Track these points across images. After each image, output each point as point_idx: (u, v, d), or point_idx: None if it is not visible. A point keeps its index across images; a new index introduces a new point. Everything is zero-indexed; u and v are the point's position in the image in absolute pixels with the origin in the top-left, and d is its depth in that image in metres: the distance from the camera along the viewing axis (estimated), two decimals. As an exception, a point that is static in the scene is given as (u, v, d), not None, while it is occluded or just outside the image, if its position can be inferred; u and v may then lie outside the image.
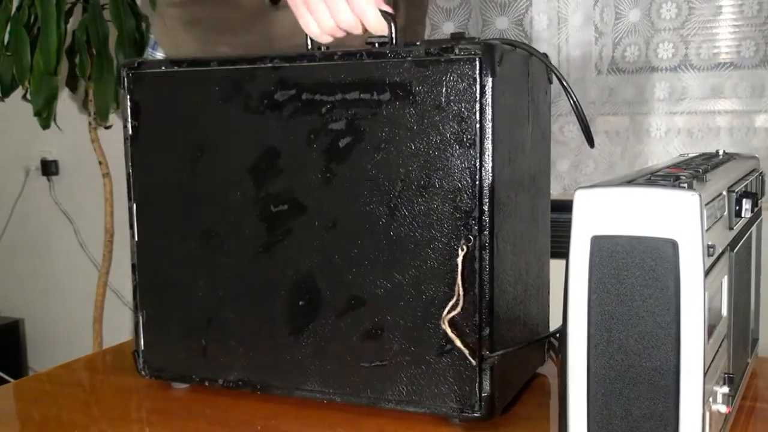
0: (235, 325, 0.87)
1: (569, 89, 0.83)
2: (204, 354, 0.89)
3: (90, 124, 2.07)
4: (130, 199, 0.91)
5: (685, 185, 0.58)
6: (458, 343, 0.75)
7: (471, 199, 0.76)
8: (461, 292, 0.75)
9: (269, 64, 0.82)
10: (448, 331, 0.75)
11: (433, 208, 0.77)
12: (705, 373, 0.57)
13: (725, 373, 0.67)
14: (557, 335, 0.90)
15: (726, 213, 0.68)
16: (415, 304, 0.79)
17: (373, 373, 0.81)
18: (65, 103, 2.13)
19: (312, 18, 0.86)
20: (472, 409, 0.78)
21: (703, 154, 0.89)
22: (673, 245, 0.56)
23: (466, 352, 0.76)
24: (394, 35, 0.80)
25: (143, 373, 0.93)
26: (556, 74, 0.85)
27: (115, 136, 2.32)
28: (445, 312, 0.76)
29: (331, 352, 0.83)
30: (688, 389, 0.57)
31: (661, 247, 0.57)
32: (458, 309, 0.75)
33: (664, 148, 1.69)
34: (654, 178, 0.62)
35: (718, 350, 0.65)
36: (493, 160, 0.75)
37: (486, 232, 0.76)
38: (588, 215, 0.59)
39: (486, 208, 0.75)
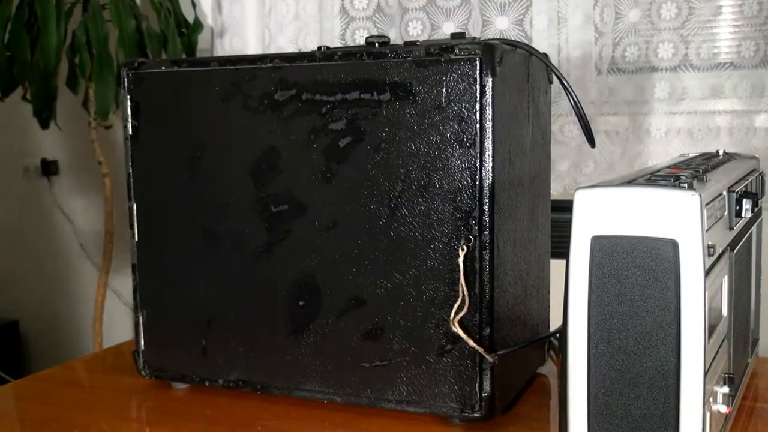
0: (235, 325, 0.87)
1: (569, 89, 0.83)
2: (204, 354, 0.89)
3: (90, 124, 2.07)
4: (130, 199, 0.91)
5: (686, 185, 0.58)
6: (471, 342, 0.75)
7: (471, 199, 0.76)
8: (466, 293, 0.75)
9: (269, 64, 0.82)
10: (460, 332, 0.75)
11: (434, 208, 0.77)
12: (705, 374, 0.57)
13: (725, 373, 0.67)
14: (557, 335, 0.90)
15: (726, 213, 0.68)
16: (416, 304, 0.79)
17: (373, 373, 0.81)
18: (65, 103, 2.13)
19: None
20: (473, 409, 0.78)
21: (703, 154, 0.89)
22: (674, 245, 0.56)
23: (481, 350, 0.75)
24: None
25: (143, 373, 0.93)
26: (556, 74, 0.85)
27: (115, 136, 2.33)
28: (453, 314, 0.75)
29: (331, 352, 0.83)
30: (689, 389, 0.57)
31: (661, 247, 0.57)
32: (465, 310, 0.75)
33: (664, 148, 1.69)
34: (654, 178, 0.62)
35: (718, 350, 0.65)
36: (493, 160, 0.75)
37: (486, 232, 0.76)
38: (588, 215, 0.59)
39: (486, 208, 0.76)
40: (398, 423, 0.80)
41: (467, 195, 0.76)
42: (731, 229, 0.70)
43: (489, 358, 0.75)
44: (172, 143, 0.88)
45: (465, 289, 0.75)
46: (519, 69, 0.81)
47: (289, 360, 0.84)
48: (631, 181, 0.61)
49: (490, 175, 0.75)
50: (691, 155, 0.88)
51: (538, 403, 0.87)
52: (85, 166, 2.37)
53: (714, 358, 0.63)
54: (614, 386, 0.59)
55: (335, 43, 1.96)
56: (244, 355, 0.87)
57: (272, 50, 2.01)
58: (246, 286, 0.86)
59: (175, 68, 0.87)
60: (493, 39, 0.78)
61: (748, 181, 0.77)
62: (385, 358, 0.80)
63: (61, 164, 2.58)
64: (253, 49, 2.05)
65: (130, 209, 0.91)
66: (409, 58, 0.77)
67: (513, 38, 1.77)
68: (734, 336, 0.73)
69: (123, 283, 2.42)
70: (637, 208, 0.57)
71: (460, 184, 0.76)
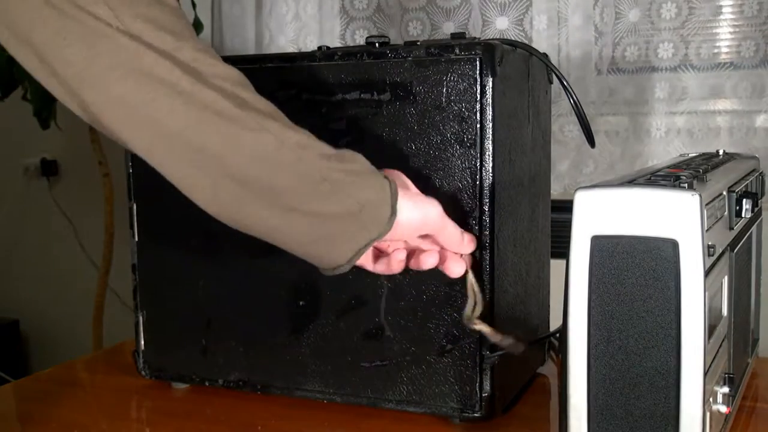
0: (236, 325, 0.87)
1: (569, 89, 0.83)
2: (204, 354, 0.89)
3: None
4: (130, 199, 0.91)
5: (686, 185, 0.58)
6: (492, 334, 0.72)
7: (471, 199, 0.76)
8: (477, 291, 0.73)
9: (270, 64, 0.82)
10: (484, 328, 0.72)
11: (434, 208, 0.77)
12: (705, 373, 0.57)
13: (725, 373, 0.67)
14: (557, 335, 0.90)
15: (726, 213, 0.68)
16: (416, 304, 0.78)
17: (373, 373, 0.81)
18: (65, 103, 2.12)
19: None
20: (473, 409, 0.78)
21: (703, 154, 0.88)
22: (674, 245, 0.56)
23: (509, 340, 0.73)
24: None
25: (143, 373, 0.92)
26: (556, 74, 0.85)
27: (115, 136, 2.32)
28: (470, 313, 0.72)
29: (332, 352, 0.83)
30: (689, 389, 0.57)
31: (661, 247, 0.57)
32: (479, 308, 0.73)
33: (664, 148, 1.69)
34: (654, 178, 0.62)
35: (718, 350, 0.65)
36: (493, 160, 0.75)
37: (486, 232, 0.76)
38: (588, 215, 0.59)
39: (486, 208, 0.75)
40: (398, 423, 0.80)
41: (467, 195, 0.76)
42: (731, 229, 0.69)
43: (522, 347, 0.73)
44: (172, 143, 0.87)
45: (475, 287, 0.73)
46: (519, 69, 0.81)
47: (289, 360, 0.84)
48: (631, 181, 0.61)
49: (491, 175, 0.75)
50: (691, 155, 0.88)
51: (538, 403, 0.87)
52: (85, 166, 2.37)
53: (714, 358, 0.63)
54: (614, 386, 0.59)
55: (335, 43, 1.96)
56: (244, 355, 0.87)
57: (272, 50, 2.00)
58: (246, 286, 0.86)
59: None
60: (493, 39, 0.78)
61: (748, 181, 0.77)
62: (386, 358, 0.80)
63: (61, 164, 2.58)
64: (253, 49, 2.05)
65: (130, 209, 0.91)
66: (410, 58, 0.77)
67: (513, 38, 1.76)
68: (734, 336, 0.73)
69: (123, 283, 2.41)
70: (637, 208, 0.57)
71: (460, 184, 0.76)
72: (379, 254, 0.70)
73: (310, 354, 0.84)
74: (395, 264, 0.69)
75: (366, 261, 0.69)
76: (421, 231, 0.67)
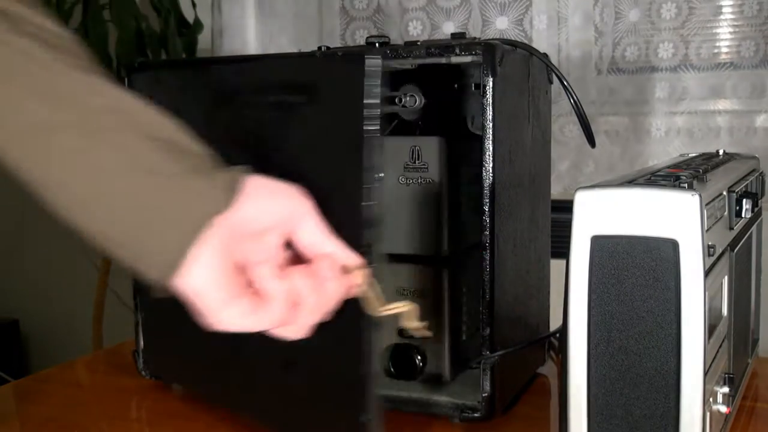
0: (198, 335, 0.79)
1: (570, 89, 0.83)
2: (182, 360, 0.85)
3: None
4: (130, 199, 0.91)
5: (686, 185, 0.58)
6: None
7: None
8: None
9: (270, 64, 0.82)
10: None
11: (433, 208, 0.77)
12: (705, 374, 0.57)
13: (725, 374, 0.67)
14: (557, 335, 0.90)
15: (726, 213, 0.68)
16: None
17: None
18: (65, 103, 2.12)
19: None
20: (473, 409, 0.78)
21: (703, 154, 0.88)
22: (674, 245, 0.56)
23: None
24: None
25: (143, 373, 0.92)
26: (556, 74, 0.85)
27: (115, 136, 2.32)
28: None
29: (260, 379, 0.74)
30: (689, 389, 0.57)
31: (661, 247, 0.57)
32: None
33: (664, 148, 1.69)
34: (654, 178, 0.62)
35: (718, 350, 0.65)
36: (493, 160, 0.75)
37: (486, 233, 0.75)
38: (588, 215, 0.59)
39: (486, 208, 0.75)
40: (397, 423, 0.80)
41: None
42: (731, 229, 0.69)
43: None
44: (172, 143, 0.87)
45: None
46: (519, 69, 0.81)
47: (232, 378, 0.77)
48: (631, 181, 0.61)
49: (491, 175, 0.75)
50: (691, 155, 0.88)
51: (538, 403, 0.87)
52: (85, 166, 2.37)
53: (714, 358, 0.63)
54: (614, 386, 0.59)
55: (335, 43, 1.96)
56: (207, 366, 0.80)
57: (272, 50, 2.00)
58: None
59: (175, 68, 0.87)
60: (493, 39, 0.78)
61: (748, 181, 0.77)
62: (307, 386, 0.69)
63: (61, 164, 2.58)
64: (253, 49, 2.05)
65: (130, 209, 0.91)
66: (410, 58, 0.76)
67: (513, 38, 1.76)
68: (734, 336, 0.73)
69: (123, 283, 2.41)
70: (637, 208, 0.57)
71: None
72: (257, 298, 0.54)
73: (242, 376, 0.75)
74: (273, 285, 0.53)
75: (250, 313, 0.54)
76: (279, 212, 0.55)
